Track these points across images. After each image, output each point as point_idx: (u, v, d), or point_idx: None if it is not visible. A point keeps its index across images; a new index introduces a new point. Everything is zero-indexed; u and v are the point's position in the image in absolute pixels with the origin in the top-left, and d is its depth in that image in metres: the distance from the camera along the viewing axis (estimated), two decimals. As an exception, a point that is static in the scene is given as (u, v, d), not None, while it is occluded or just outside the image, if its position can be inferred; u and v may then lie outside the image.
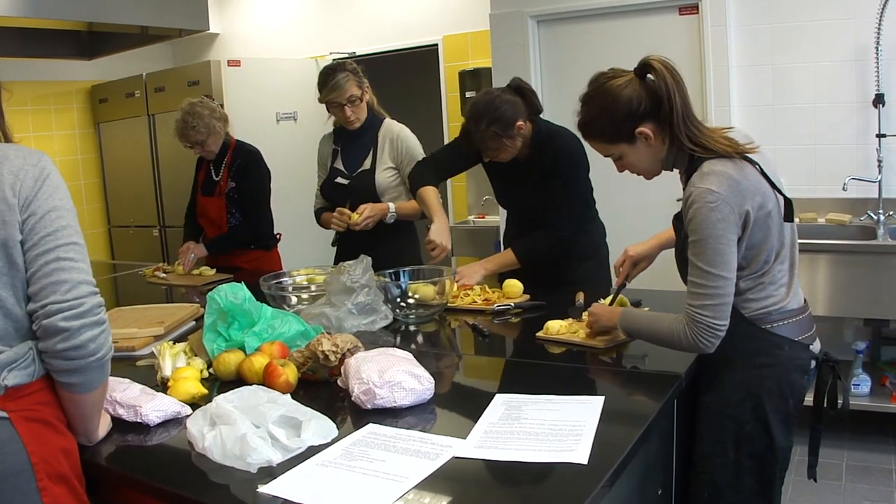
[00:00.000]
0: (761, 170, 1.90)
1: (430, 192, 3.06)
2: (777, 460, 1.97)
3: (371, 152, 3.48)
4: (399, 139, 3.45)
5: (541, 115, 2.97)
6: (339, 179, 3.53)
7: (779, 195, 1.93)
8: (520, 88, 2.90)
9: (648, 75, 1.92)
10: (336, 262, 3.51)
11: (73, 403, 1.57)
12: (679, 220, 1.99)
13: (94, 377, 1.54)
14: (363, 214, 3.26)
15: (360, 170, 3.48)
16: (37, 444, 1.48)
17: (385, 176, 3.44)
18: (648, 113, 1.92)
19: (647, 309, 2.46)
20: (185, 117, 3.81)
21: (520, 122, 2.81)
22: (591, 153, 2.91)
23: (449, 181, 5.80)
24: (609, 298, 2.47)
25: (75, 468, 1.57)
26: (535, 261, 2.96)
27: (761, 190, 1.88)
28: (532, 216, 3.01)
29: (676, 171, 2.02)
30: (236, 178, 3.96)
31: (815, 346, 2.02)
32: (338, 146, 3.57)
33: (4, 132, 1.65)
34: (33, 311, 1.48)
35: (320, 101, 3.39)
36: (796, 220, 2.01)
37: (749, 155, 1.90)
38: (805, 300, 2.06)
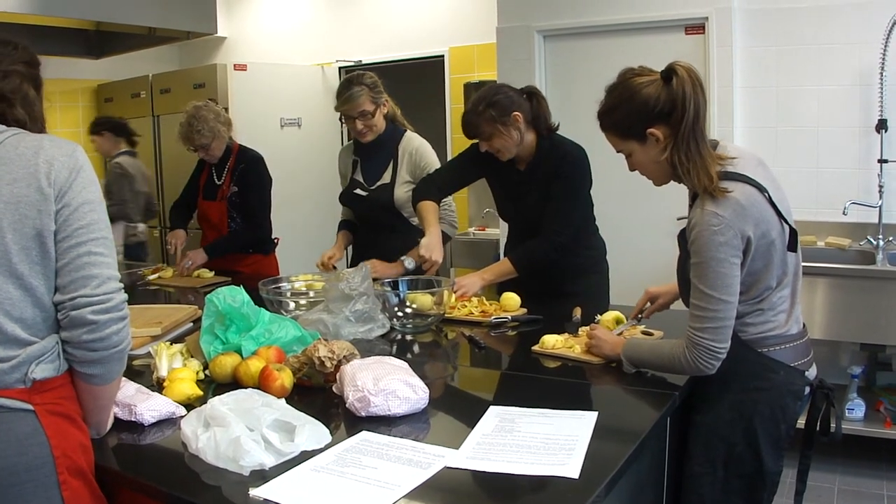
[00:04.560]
0: (770, 198, 1.90)
1: (428, 207, 3.07)
2: (766, 484, 1.97)
3: (391, 165, 3.48)
4: (418, 153, 3.44)
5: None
6: (358, 191, 3.53)
7: (785, 224, 1.93)
8: (532, 94, 2.95)
9: (673, 80, 1.90)
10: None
11: (91, 395, 1.59)
12: (683, 238, 1.99)
13: (114, 368, 1.56)
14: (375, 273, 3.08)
15: (379, 183, 3.49)
16: (59, 438, 1.49)
17: (403, 190, 3.43)
18: (663, 116, 1.91)
19: (643, 327, 2.47)
20: (189, 121, 3.82)
21: (517, 113, 2.84)
22: (596, 166, 2.94)
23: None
24: (605, 316, 2.48)
25: (90, 463, 1.58)
26: (533, 268, 2.96)
27: (766, 218, 1.87)
28: (534, 229, 3.00)
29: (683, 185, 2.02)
30: (239, 182, 3.96)
31: (811, 372, 2.02)
32: (358, 157, 3.58)
33: (39, 124, 1.67)
34: (60, 301, 1.50)
35: (336, 109, 3.43)
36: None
37: (759, 181, 1.89)
38: (804, 325, 2.06)
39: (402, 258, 3.23)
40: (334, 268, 3.42)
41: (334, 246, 3.62)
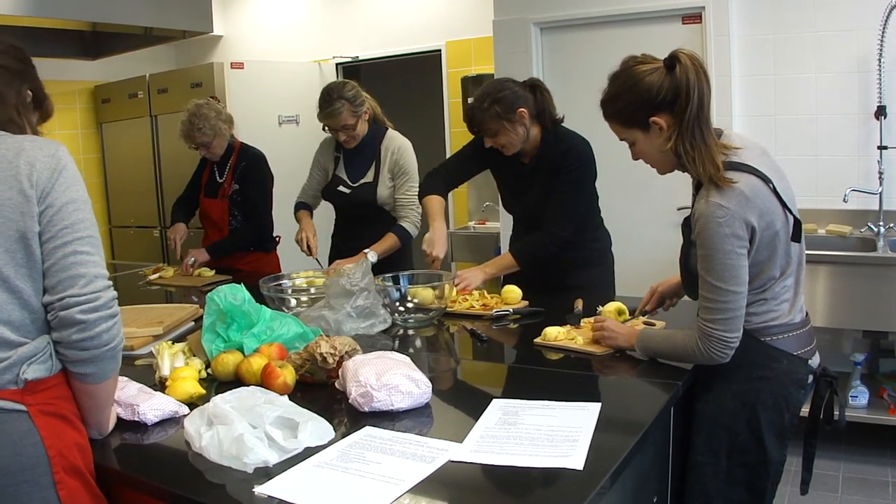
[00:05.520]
0: (774, 188, 1.89)
1: (433, 201, 3.07)
2: (769, 473, 1.96)
3: (373, 165, 3.50)
4: (399, 152, 3.48)
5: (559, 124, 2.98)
6: (341, 188, 3.56)
7: (789, 214, 1.92)
8: (535, 87, 2.94)
9: (676, 68, 1.89)
10: (332, 259, 3.56)
11: (87, 395, 1.59)
12: (687, 226, 1.98)
13: (107, 367, 1.56)
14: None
15: (362, 181, 3.51)
16: (54, 438, 1.50)
17: (385, 188, 3.46)
18: (666, 104, 1.89)
19: (644, 318, 2.47)
20: (191, 119, 3.82)
21: (522, 109, 2.83)
22: (597, 157, 2.94)
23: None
24: (607, 307, 2.48)
25: (88, 463, 1.58)
26: (534, 262, 2.96)
27: (771, 209, 1.86)
28: (537, 222, 3.00)
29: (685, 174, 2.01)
30: (240, 181, 3.97)
31: (814, 361, 2.02)
32: (339, 153, 3.60)
33: (23, 125, 1.66)
34: (49, 302, 1.51)
35: (318, 119, 3.45)
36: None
37: (764, 172, 1.88)
38: (807, 314, 2.05)
39: (366, 251, 3.30)
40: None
41: (307, 229, 3.60)
